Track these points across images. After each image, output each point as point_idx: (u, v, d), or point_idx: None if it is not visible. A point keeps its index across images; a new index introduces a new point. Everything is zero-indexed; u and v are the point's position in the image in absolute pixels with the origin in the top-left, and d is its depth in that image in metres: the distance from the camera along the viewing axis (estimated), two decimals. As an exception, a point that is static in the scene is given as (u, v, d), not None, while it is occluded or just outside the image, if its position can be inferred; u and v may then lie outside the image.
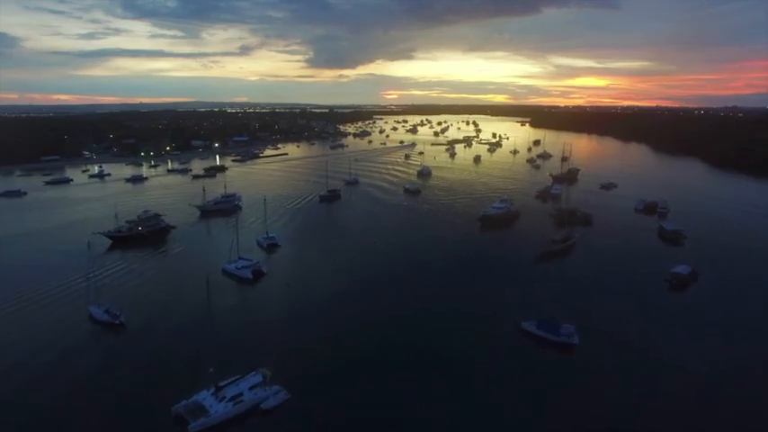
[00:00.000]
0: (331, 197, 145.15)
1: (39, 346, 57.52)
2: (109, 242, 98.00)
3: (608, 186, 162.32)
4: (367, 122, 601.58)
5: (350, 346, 56.98)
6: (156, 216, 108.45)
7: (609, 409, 46.56)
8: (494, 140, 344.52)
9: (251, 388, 46.75)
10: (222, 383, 46.42)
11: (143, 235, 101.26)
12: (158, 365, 52.82)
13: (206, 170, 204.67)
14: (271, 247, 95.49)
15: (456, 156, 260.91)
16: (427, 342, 58.43)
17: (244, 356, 52.32)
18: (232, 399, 45.36)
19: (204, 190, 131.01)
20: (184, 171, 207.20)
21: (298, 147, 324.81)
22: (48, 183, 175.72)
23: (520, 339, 59.27)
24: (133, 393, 47.88)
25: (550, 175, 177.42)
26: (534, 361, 54.78)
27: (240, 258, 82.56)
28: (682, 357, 54.84)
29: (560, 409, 46.41)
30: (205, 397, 45.32)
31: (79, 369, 52.63)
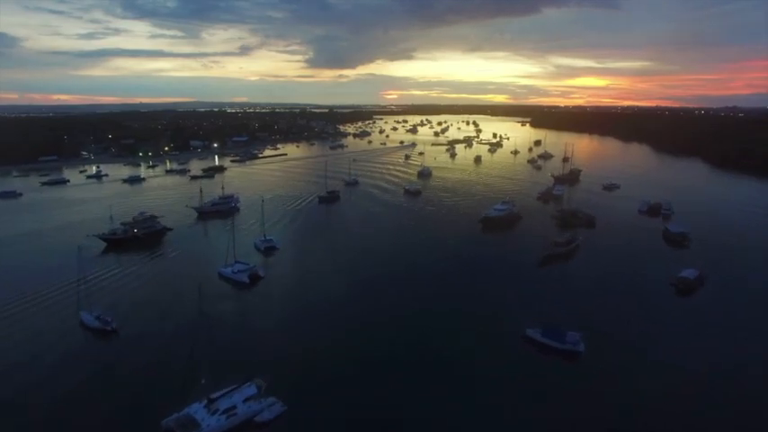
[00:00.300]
0: (330, 198, 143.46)
1: (26, 354, 55.69)
2: (103, 245, 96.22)
3: (610, 187, 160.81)
4: (367, 122, 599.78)
5: (349, 350, 55.78)
6: (153, 218, 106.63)
7: (610, 409, 45.61)
8: (494, 141, 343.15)
9: (245, 400, 44.94)
10: (215, 395, 44.52)
11: (138, 237, 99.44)
12: (149, 375, 51.02)
13: (204, 171, 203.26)
14: (268, 250, 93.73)
15: (456, 156, 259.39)
16: (428, 344, 57.51)
17: (238, 366, 50.41)
18: (225, 411, 43.56)
19: (201, 191, 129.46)
20: (183, 172, 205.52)
21: (297, 147, 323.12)
22: (44, 183, 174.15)
23: (524, 346, 57.63)
24: (122, 405, 46.13)
25: (552, 175, 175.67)
26: (537, 367, 53.50)
27: (237, 262, 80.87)
28: (689, 363, 53.25)
29: (561, 410, 45.45)
30: (197, 410, 43.44)
31: (66, 379, 50.81)
